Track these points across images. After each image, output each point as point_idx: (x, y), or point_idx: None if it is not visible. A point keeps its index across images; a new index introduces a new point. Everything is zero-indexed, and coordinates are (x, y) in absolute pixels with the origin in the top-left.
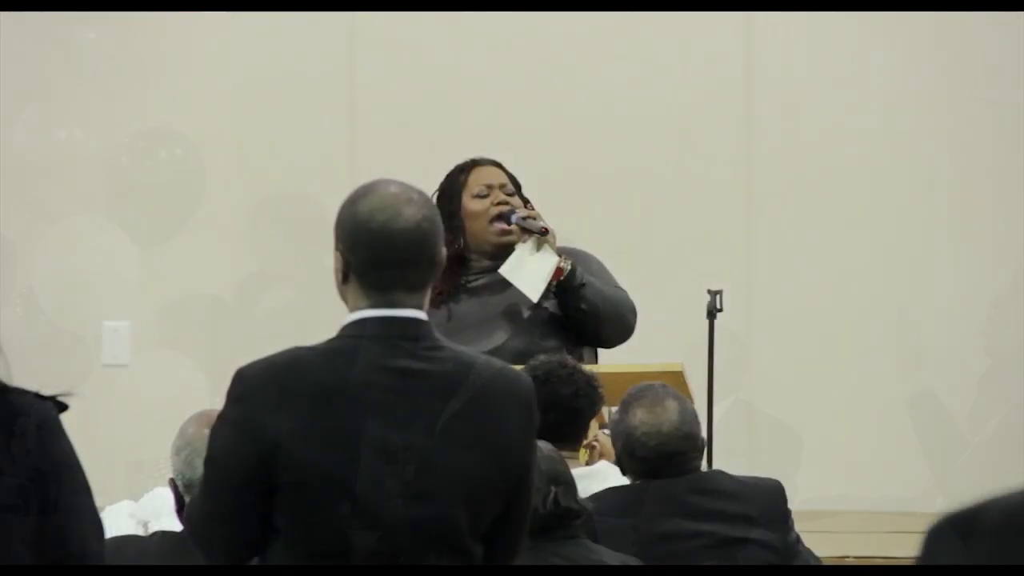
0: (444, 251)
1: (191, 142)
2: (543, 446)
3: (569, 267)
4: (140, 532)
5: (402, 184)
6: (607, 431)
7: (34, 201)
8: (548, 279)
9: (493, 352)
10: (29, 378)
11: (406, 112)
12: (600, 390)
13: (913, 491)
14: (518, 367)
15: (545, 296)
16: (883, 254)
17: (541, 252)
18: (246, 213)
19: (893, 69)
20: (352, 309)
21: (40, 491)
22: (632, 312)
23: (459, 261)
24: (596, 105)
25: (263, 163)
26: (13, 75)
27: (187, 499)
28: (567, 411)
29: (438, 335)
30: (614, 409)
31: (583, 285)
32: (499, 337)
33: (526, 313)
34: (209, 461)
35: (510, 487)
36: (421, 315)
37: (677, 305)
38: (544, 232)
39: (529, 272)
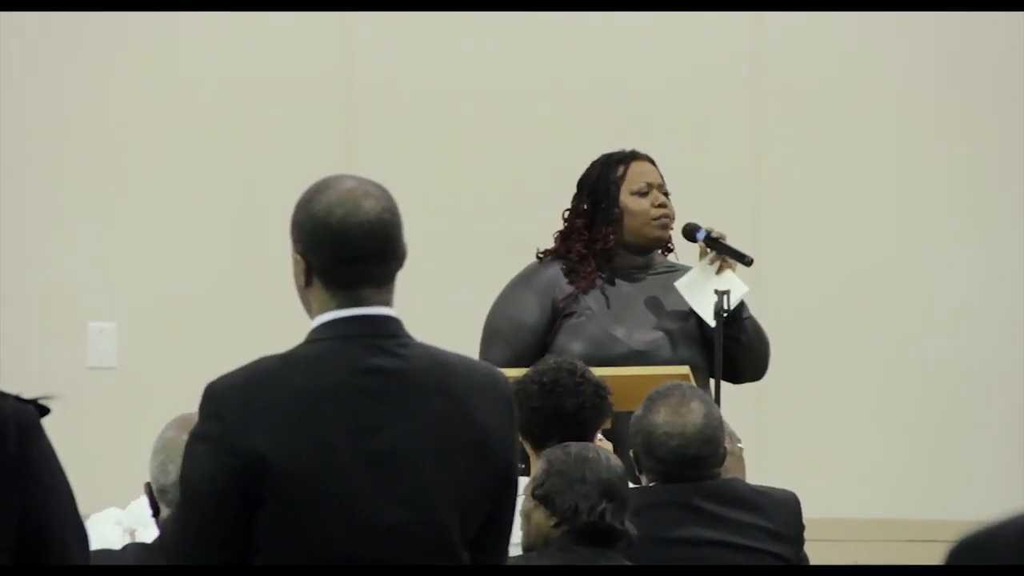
0: (406, 244)
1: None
2: (614, 460)
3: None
4: (127, 540)
5: (358, 178)
6: (600, 436)
7: (18, 199)
8: (733, 307)
9: (640, 355)
10: (11, 381)
11: (404, 108)
12: (608, 399)
13: (928, 498)
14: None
15: (692, 313)
16: (894, 254)
17: (724, 275)
18: (237, 211)
19: (903, 67)
20: (317, 310)
21: (20, 497)
22: (769, 354)
23: (612, 253)
24: (600, 103)
25: (256, 160)
26: (6, 73)
27: (161, 506)
28: (572, 423)
29: (407, 331)
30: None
31: (747, 318)
32: (639, 341)
33: (677, 326)
34: (186, 483)
35: (495, 485)
36: (390, 311)
37: None
38: (751, 263)
39: (711, 294)
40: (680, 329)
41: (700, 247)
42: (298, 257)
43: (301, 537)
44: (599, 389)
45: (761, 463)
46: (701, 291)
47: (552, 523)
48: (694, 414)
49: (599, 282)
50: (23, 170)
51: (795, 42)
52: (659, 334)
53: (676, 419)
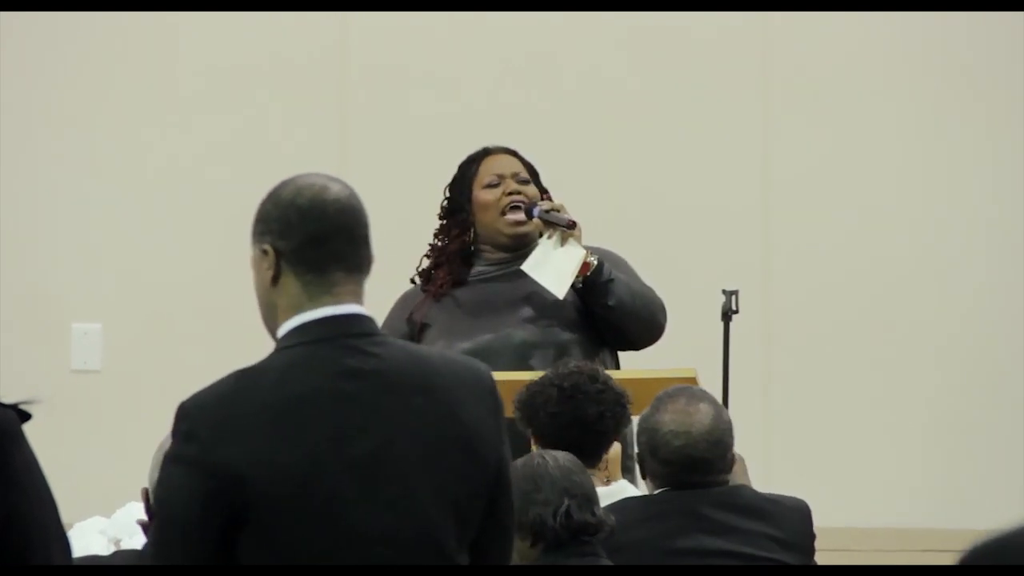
0: (373, 253)
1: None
2: (560, 457)
3: (596, 262)
4: (112, 550)
5: (321, 173)
6: None
7: (0, 196)
8: (575, 274)
9: (498, 343)
10: None
11: (398, 101)
12: (628, 408)
13: (943, 506)
14: (533, 373)
15: (568, 292)
16: (905, 251)
17: (566, 246)
18: (226, 207)
19: (912, 64)
20: (285, 314)
21: (0, 506)
22: (662, 310)
23: (469, 255)
24: (603, 99)
25: (247, 155)
26: None
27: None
28: (591, 432)
29: (380, 329)
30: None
31: (611, 280)
32: (507, 328)
33: (542, 306)
34: (163, 507)
35: (487, 483)
36: (361, 309)
37: (690, 307)
38: (572, 226)
39: (553, 267)
40: (551, 310)
41: (537, 224)
42: (266, 249)
43: (288, 553)
44: (620, 397)
45: (769, 468)
46: (546, 267)
47: (529, 544)
48: (702, 414)
49: (451, 287)
50: (4, 167)
51: (804, 42)
52: (521, 319)
53: (683, 418)
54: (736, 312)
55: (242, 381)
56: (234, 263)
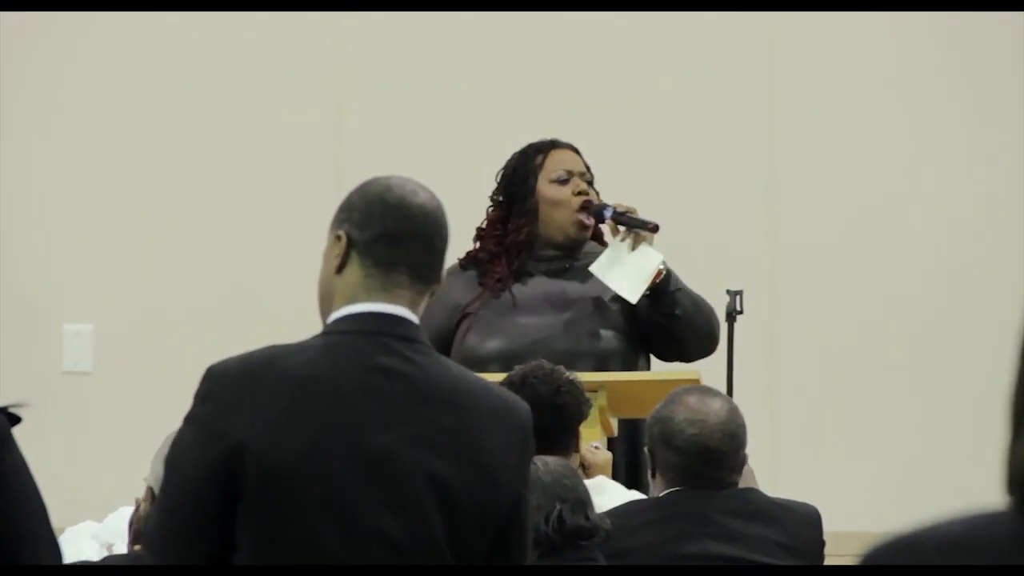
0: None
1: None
2: (551, 461)
3: (666, 268)
4: (104, 554)
5: (412, 179)
6: (596, 444)
7: None
8: (651, 279)
9: (539, 348)
10: None
11: (394, 100)
12: (585, 394)
13: (953, 510)
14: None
15: (613, 297)
16: (912, 251)
17: (640, 250)
18: (220, 207)
19: (918, 62)
20: (339, 303)
21: None
22: (718, 323)
23: (525, 248)
24: (605, 98)
25: (242, 155)
26: None
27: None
28: (552, 409)
29: (427, 340)
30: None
31: (679, 289)
32: (549, 332)
33: (588, 312)
34: (170, 465)
35: (499, 516)
36: (411, 315)
37: None
38: (655, 229)
39: (628, 271)
40: (596, 315)
41: (610, 226)
42: (340, 235)
43: (281, 535)
44: (572, 377)
45: (775, 470)
46: (618, 270)
47: None
48: (717, 406)
49: (510, 279)
50: None
51: (810, 41)
52: (573, 321)
53: (700, 407)
54: (741, 312)
55: (273, 354)
56: (227, 264)
